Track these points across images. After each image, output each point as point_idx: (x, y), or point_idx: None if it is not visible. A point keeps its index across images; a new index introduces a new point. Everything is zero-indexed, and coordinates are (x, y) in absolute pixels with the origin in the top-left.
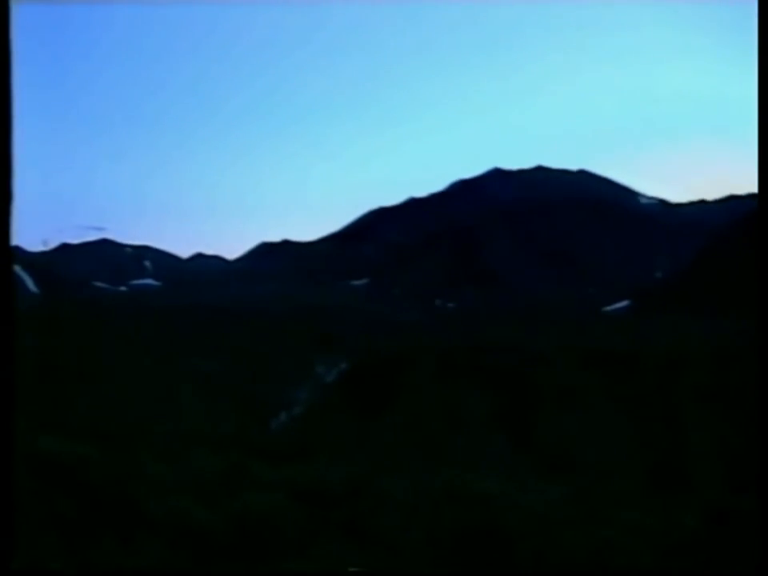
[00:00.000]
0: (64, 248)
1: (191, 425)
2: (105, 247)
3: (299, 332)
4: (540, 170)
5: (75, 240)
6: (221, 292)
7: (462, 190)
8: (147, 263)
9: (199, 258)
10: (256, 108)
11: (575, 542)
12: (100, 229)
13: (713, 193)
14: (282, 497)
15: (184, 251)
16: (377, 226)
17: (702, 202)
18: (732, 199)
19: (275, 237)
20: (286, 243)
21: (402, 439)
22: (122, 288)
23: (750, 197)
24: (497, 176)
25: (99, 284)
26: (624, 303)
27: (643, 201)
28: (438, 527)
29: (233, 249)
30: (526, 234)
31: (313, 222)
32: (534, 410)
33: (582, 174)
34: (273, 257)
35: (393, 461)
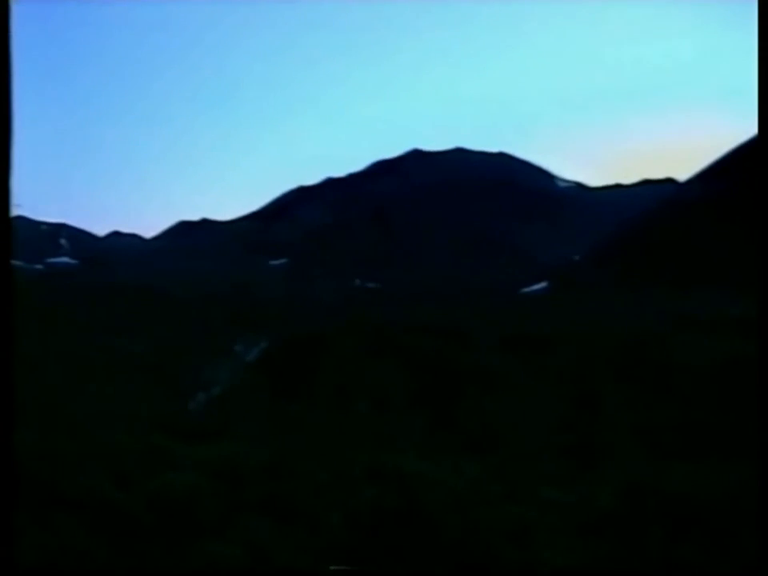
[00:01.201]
0: None
1: (108, 405)
2: (20, 224)
3: (218, 311)
4: (459, 151)
5: None
6: (138, 270)
7: (380, 170)
8: (63, 241)
9: (116, 236)
10: (177, 89)
11: (494, 520)
12: (15, 205)
13: (628, 177)
14: (201, 476)
15: (100, 229)
16: (296, 205)
17: (618, 186)
18: (646, 183)
19: (194, 215)
20: (205, 222)
21: (321, 419)
22: (38, 266)
23: (664, 181)
24: (416, 157)
25: (14, 262)
26: (542, 285)
27: (561, 184)
28: (357, 506)
29: (150, 227)
30: (446, 214)
31: (232, 200)
32: (454, 391)
33: (501, 156)
34: (191, 235)
35: (312, 441)
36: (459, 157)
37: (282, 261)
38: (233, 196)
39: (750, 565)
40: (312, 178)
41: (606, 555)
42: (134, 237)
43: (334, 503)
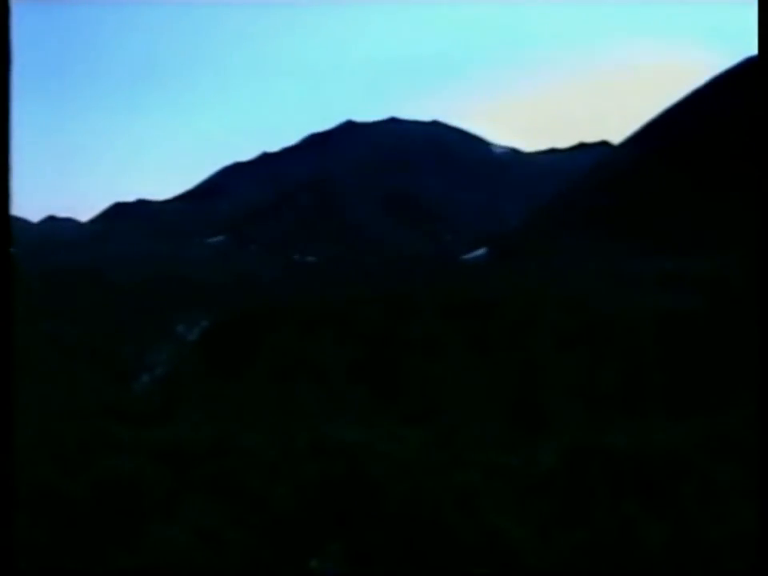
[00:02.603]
0: None
1: (49, 391)
2: None
3: (157, 292)
4: (393, 121)
5: None
6: (75, 254)
7: (314, 143)
8: None
9: (51, 220)
10: (107, 69)
11: (440, 486)
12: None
13: (563, 141)
14: (146, 459)
15: (34, 215)
16: (231, 181)
17: (553, 151)
18: (581, 147)
19: (129, 196)
20: (141, 202)
21: (264, 395)
22: None
23: (598, 144)
24: (349, 128)
25: None
26: (481, 251)
27: (496, 150)
28: (303, 480)
29: (85, 210)
30: (381, 185)
31: (167, 179)
32: (396, 360)
33: (435, 124)
34: (127, 217)
35: (256, 418)
36: (393, 127)
37: (220, 238)
38: (168, 175)
39: (694, 524)
40: (247, 154)
41: (551, 516)
42: (69, 221)
43: (280, 478)
